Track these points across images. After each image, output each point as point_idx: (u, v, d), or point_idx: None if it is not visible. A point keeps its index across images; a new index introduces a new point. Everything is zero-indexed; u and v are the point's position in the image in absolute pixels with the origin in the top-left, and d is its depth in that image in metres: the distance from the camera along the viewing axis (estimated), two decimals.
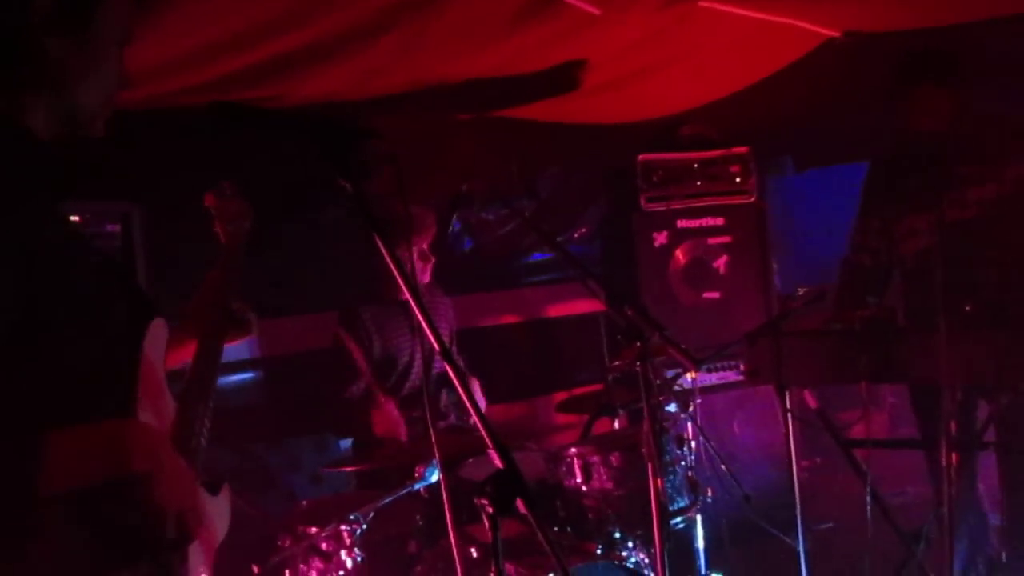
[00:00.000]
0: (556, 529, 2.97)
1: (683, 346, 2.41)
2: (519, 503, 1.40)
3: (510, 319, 5.33)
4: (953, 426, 2.51)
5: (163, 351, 1.62)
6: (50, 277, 1.32)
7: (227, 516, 1.78)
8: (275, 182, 3.32)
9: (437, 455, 1.57)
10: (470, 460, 3.09)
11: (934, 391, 3.06)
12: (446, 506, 1.58)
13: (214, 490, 1.73)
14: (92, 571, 1.33)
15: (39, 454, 1.21)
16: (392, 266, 1.43)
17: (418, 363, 3.60)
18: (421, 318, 1.43)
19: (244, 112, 1.48)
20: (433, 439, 1.64)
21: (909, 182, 3.40)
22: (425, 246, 3.55)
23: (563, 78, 3.93)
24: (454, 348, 3.83)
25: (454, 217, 3.45)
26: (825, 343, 2.97)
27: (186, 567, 1.53)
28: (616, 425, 3.64)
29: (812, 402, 3.21)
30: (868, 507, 2.87)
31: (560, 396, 4.69)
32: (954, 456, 2.49)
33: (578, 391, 4.48)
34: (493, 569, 1.45)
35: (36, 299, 1.29)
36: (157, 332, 1.58)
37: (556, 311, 5.37)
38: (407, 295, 1.47)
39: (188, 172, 3.48)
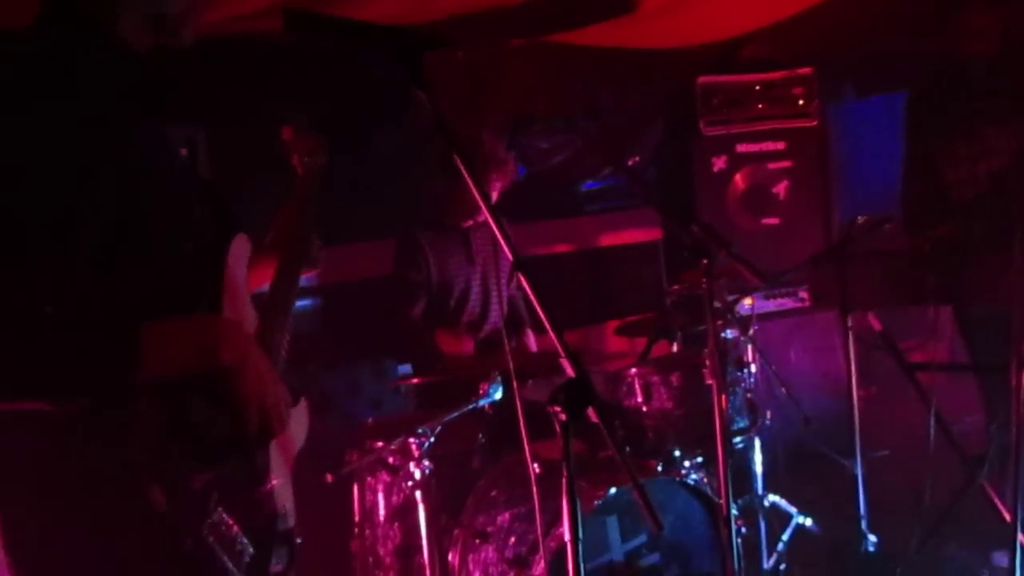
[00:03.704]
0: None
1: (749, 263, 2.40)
2: (591, 412, 1.41)
3: (564, 248, 5.31)
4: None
5: (245, 266, 1.67)
6: (144, 182, 1.37)
7: (305, 425, 1.84)
8: (334, 109, 3.33)
9: (511, 364, 1.59)
10: (530, 381, 3.13)
11: (987, 319, 3.00)
12: (519, 415, 1.61)
13: (293, 401, 1.78)
14: (183, 465, 1.39)
15: (133, 346, 1.26)
16: (472, 186, 1.42)
17: (475, 292, 3.63)
18: (499, 234, 1.42)
19: (317, 19, 1.47)
20: (507, 350, 1.66)
21: (951, 110, 3.29)
22: (498, 185, 3.48)
23: (619, 1, 3.85)
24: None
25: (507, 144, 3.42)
26: (892, 264, 2.93)
27: (268, 467, 1.60)
28: (674, 349, 3.65)
29: (876, 325, 3.17)
30: (931, 430, 2.86)
31: (614, 326, 4.69)
32: None
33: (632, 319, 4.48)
34: (564, 476, 1.47)
35: (132, 202, 1.33)
36: (240, 245, 1.63)
37: (611, 240, 5.34)
38: (486, 215, 1.45)
39: (251, 98, 3.51)
